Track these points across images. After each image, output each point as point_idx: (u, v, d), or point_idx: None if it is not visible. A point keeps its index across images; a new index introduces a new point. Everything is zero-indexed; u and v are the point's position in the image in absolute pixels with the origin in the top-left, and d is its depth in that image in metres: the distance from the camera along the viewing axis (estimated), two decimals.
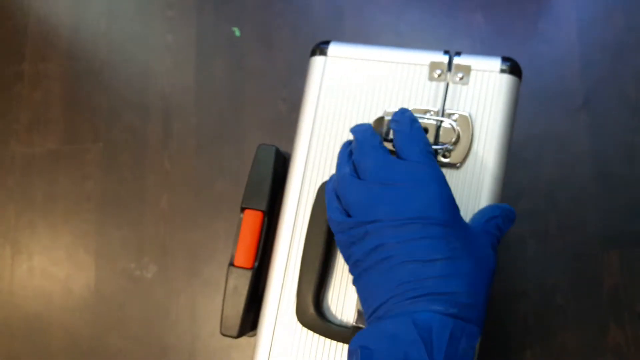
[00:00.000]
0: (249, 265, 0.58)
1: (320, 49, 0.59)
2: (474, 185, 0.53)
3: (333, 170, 0.56)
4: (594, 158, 1.05)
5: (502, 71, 0.55)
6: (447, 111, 0.55)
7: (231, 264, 0.59)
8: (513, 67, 0.55)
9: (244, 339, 1.11)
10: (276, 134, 1.17)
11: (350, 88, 0.57)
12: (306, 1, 1.20)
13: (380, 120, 0.54)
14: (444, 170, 0.54)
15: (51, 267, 1.18)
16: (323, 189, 0.55)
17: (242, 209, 0.59)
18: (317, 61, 0.59)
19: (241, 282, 0.58)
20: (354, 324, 0.52)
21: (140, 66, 1.25)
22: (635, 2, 1.12)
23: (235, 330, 0.58)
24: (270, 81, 1.19)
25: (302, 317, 0.53)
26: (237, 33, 1.22)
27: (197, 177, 1.18)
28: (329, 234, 0.54)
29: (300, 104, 0.60)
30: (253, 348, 0.56)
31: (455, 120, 0.54)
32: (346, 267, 0.53)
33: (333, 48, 0.59)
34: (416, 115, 0.54)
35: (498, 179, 0.53)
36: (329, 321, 0.53)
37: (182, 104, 1.22)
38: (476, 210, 0.51)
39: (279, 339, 0.54)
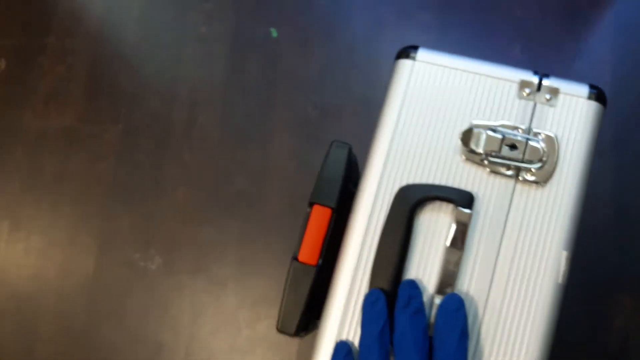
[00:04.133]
0: (314, 262, 0.57)
1: (407, 52, 0.59)
2: (557, 205, 0.53)
3: (413, 174, 0.55)
4: (615, 200, 1.06)
5: (590, 97, 0.55)
6: (534, 130, 0.55)
7: (294, 259, 0.57)
8: (600, 95, 0.56)
9: (246, 344, 1.08)
10: (303, 138, 1.16)
11: (437, 95, 0.57)
12: (347, 9, 1.20)
13: (468, 132, 0.54)
14: (527, 189, 0.54)
15: (49, 248, 1.13)
16: (401, 192, 0.54)
17: (311, 204, 0.58)
18: (404, 65, 0.59)
19: (304, 279, 0.57)
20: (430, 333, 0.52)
21: (171, 54, 1.23)
22: None
23: (293, 327, 0.56)
24: (302, 85, 1.18)
25: None
26: (274, 34, 1.22)
27: (217, 172, 1.16)
28: (405, 238, 0.53)
29: (380, 104, 0.60)
30: (313, 348, 0.54)
31: (542, 140, 0.54)
32: (421, 274, 0.52)
33: (422, 53, 0.58)
34: (505, 130, 0.54)
35: (580, 201, 0.53)
36: None
37: (210, 96, 1.20)
38: (557, 230, 0.51)
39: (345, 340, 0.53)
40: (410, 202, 0.53)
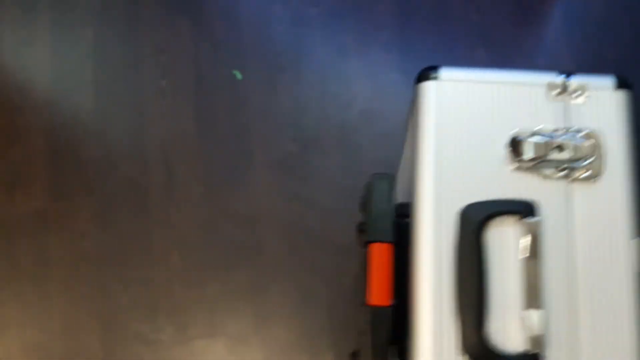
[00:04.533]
0: (387, 303, 0.55)
1: (428, 74, 0.59)
2: (614, 196, 0.54)
3: (467, 194, 0.55)
4: None
5: (617, 87, 0.57)
6: (573, 128, 0.56)
7: (364, 304, 0.55)
8: (624, 82, 0.57)
9: None
10: (289, 174, 1.14)
11: (469, 111, 0.57)
12: (307, 41, 1.20)
13: (514, 142, 0.54)
14: (582, 186, 0.54)
15: (49, 341, 1.05)
16: (464, 214, 0.54)
17: (367, 244, 0.57)
18: (429, 87, 0.58)
19: (382, 323, 0.55)
20: (526, 350, 0.51)
21: (134, 114, 1.18)
22: (625, 45, 1.21)
23: None
24: (278, 122, 1.16)
25: (470, 349, 0.50)
26: (239, 76, 1.19)
27: (209, 227, 1.12)
28: (481, 260, 0.52)
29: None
30: None
31: (584, 136, 0.55)
32: (504, 292, 0.52)
33: (445, 72, 0.58)
34: (546, 133, 0.54)
35: (635, 187, 0.54)
36: (498, 352, 0.51)
37: (184, 150, 1.16)
38: (620, 220, 0.52)
39: None
40: (476, 222, 0.53)
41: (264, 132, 1.17)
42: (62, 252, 1.11)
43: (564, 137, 0.55)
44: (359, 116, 1.16)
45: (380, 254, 0.56)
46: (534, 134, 0.55)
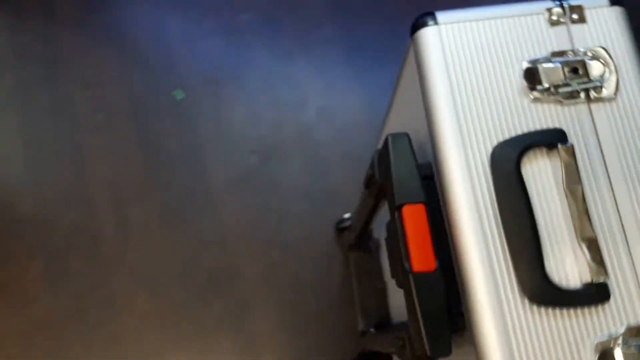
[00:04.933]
0: (432, 267, 0.49)
1: (426, 21, 0.55)
2: (633, 112, 0.52)
3: (492, 133, 0.51)
4: None
5: (610, 4, 0.56)
6: (581, 49, 0.54)
7: (409, 272, 0.49)
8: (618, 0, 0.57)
9: None
10: (253, 189, 1.07)
11: (475, 49, 0.54)
12: (246, 49, 1.14)
13: (529, 72, 0.52)
14: (602, 106, 0.52)
15: None
16: (495, 154, 0.50)
17: (398, 208, 0.51)
18: (429, 33, 0.55)
19: (433, 289, 0.49)
20: (592, 282, 0.47)
21: (70, 156, 1.07)
22: None
23: (447, 346, 0.48)
24: (232, 137, 1.09)
25: (533, 292, 0.46)
26: (180, 96, 1.12)
27: (174, 261, 1.02)
28: (525, 197, 0.48)
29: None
30: (478, 352, 0.46)
31: (594, 55, 0.53)
32: (554, 227, 0.48)
33: (442, 16, 0.55)
34: (557, 58, 0.52)
35: None
36: (564, 288, 0.46)
37: (132, 184, 1.06)
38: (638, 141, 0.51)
39: (508, 329, 0.46)
40: (511, 160, 0.49)
41: (218, 150, 1.10)
42: (11, 323, 0.98)
43: (574, 59, 0.53)
44: (315, 115, 1.12)
45: (414, 216, 0.51)
46: (545, 61, 0.53)
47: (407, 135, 0.54)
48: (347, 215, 1.03)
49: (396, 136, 0.54)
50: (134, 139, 1.10)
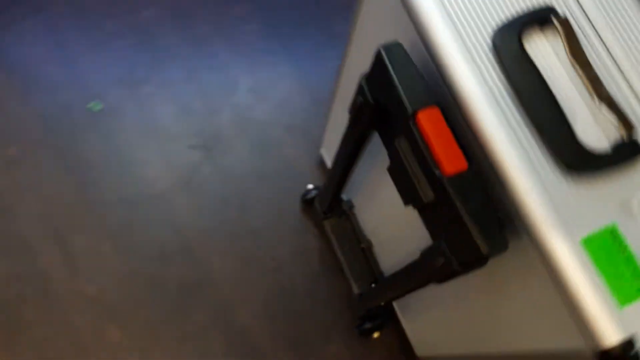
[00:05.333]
0: (465, 166, 0.46)
1: None
2: None
3: (486, 23, 0.49)
4: None
5: None
6: None
7: (442, 178, 0.46)
8: None
9: None
10: (201, 184, 0.99)
11: None
12: (161, 43, 1.05)
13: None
14: None
15: None
16: (497, 39, 0.48)
17: (412, 115, 0.48)
18: None
19: (473, 186, 0.46)
20: (621, 140, 0.46)
21: None
22: None
23: (504, 240, 0.45)
24: (168, 134, 1.00)
25: (568, 159, 0.45)
26: (97, 107, 1.02)
27: (136, 283, 0.92)
28: (536, 72, 0.47)
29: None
30: (533, 238, 0.44)
31: None
32: (571, 96, 0.47)
33: None
34: None
35: None
36: (598, 151, 0.46)
37: (68, 212, 0.95)
38: None
39: (556, 204, 0.45)
40: (515, 40, 0.48)
41: (154, 153, 1.01)
42: None
43: None
44: (248, 94, 1.06)
45: (432, 119, 0.47)
46: None
47: (399, 42, 0.51)
48: (310, 186, 0.98)
49: (388, 46, 0.51)
50: (58, 163, 0.98)
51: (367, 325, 0.93)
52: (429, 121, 0.48)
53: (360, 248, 0.93)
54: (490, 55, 0.49)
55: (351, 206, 0.93)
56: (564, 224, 0.45)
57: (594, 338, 0.43)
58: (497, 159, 0.46)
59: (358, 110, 0.58)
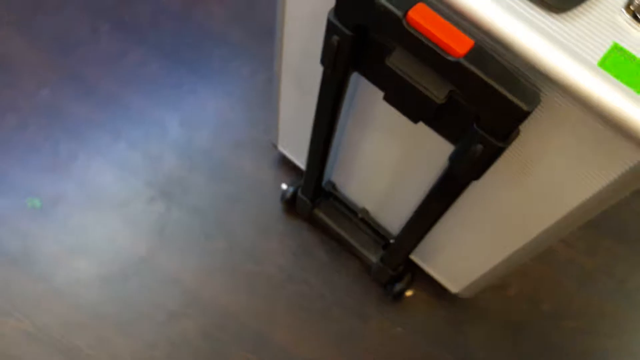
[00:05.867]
0: (471, 43, 0.47)
1: None
2: None
3: None
4: None
5: None
6: None
7: (458, 62, 0.47)
8: None
9: None
10: (176, 232, 0.94)
11: None
12: (60, 123, 0.99)
13: None
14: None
15: None
16: None
17: (404, 17, 0.48)
18: None
19: (488, 58, 0.47)
20: None
21: None
22: None
23: (534, 93, 0.47)
24: (120, 198, 0.94)
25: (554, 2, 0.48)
26: (37, 204, 0.93)
27: (161, 349, 0.85)
28: None
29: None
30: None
31: None
32: None
33: None
34: None
35: None
36: None
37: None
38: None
39: (559, 45, 0.47)
40: None
41: (114, 222, 0.95)
42: None
43: None
44: (180, 130, 1.02)
45: (423, 14, 0.48)
46: None
47: None
48: (284, 186, 0.96)
49: None
50: (24, 271, 0.89)
51: (397, 288, 0.91)
52: (422, 17, 0.48)
53: (360, 219, 0.92)
54: None
55: (333, 185, 0.92)
56: (577, 58, 0.47)
57: None
58: (491, 26, 0.48)
59: (336, 52, 0.57)
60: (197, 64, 1.08)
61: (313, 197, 0.91)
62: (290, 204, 0.96)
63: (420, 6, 0.49)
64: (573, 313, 0.96)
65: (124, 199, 0.96)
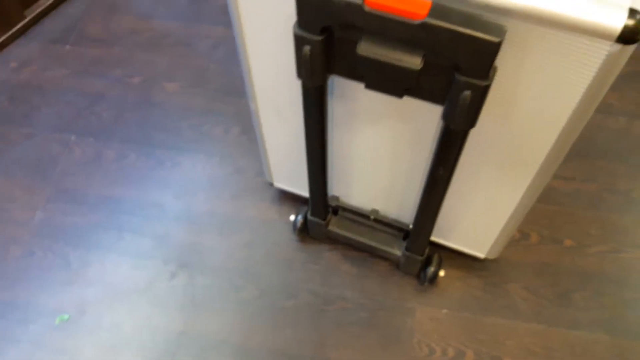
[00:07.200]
0: (430, 2, 0.53)
1: None
2: None
3: None
4: None
5: None
6: None
7: (425, 23, 0.52)
8: None
9: None
10: (203, 297, 0.95)
11: None
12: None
13: None
14: None
15: None
16: None
17: (363, 3, 0.53)
18: None
19: (447, 12, 0.52)
20: None
21: None
22: None
23: (501, 26, 0.51)
24: (146, 281, 0.95)
25: None
26: (64, 317, 0.93)
27: None
28: None
29: None
30: None
31: None
32: None
33: None
34: None
35: None
36: None
37: None
38: None
39: None
40: None
41: (145, 309, 0.95)
42: None
43: None
44: (178, 203, 1.05)
45: None
46: None
47: None
48: (292, 217, 0.99)
49: None
50: None
51: (430, 271, 0.94)
52: None
53: (373, 220, 0.95)
54: None
55: (337, 199, 0.95)
56: None
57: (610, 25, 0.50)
58: None
59: (310, 60, 0.61)
60: (170, 140, 1.11)
61: (324, 215, 0.93)
62: (303, 232, 0.98)
63: None
64: (595, 238, 1.00)
65: (147, 283, 0.97)
